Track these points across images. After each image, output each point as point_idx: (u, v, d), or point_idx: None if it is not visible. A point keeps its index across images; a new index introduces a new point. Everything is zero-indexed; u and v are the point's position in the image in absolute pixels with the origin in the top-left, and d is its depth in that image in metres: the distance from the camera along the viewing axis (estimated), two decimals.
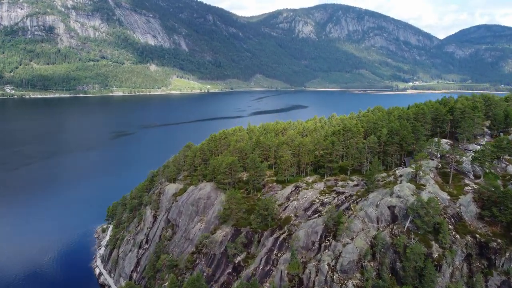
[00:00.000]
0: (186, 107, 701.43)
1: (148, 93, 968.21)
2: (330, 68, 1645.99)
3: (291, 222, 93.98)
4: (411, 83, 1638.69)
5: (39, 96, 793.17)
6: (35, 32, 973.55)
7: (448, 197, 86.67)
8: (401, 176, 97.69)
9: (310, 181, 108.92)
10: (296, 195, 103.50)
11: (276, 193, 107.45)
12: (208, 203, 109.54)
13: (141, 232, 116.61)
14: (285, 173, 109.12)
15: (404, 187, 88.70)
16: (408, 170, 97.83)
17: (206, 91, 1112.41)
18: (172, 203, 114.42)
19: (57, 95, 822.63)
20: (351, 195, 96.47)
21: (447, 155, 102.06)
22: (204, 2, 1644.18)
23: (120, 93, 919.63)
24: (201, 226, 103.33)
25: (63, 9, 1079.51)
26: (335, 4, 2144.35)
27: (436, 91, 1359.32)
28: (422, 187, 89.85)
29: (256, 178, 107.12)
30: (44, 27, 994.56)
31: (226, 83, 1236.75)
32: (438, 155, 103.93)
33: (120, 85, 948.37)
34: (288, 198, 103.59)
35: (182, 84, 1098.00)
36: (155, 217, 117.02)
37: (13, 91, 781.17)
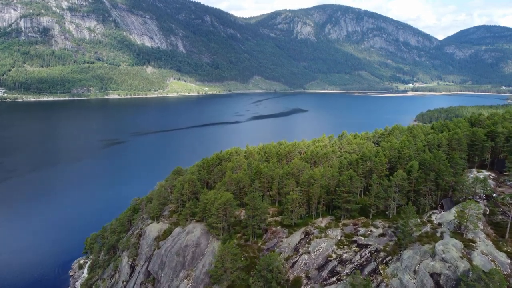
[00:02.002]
0: (182, 111, 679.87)
1: (144, 96, 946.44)
2: (329, 69, 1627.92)
3: (302, 287, 73.47)
4: (411, 85, 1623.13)
5: (33, 100, 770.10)
6: (29, 34, 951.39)
7: (509, 261, 66.36)
8: (439, 225, 77.43)
9: (322, 225, 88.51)
10: (307, 245, 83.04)
11: (281, 241, 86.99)
12: (197, 252, 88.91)
13: (115, 286, 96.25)
14: (292, 215, 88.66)
15: (449, 245, 68.21)
16: (449, 217, 77.55)
17: (204, 94, 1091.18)
18: (154, 250, 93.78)
19: (51, 98, 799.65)
20: (377, 250, 76.03)
21: (495, 195, 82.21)
22: (202, 3, 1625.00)
23: (116, 96, 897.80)
24: (188, 284, 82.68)
25: (58, 10, 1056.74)
26: (334, 4, 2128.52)
27: (437, 93, 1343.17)
28: (472, 244, 69.51)
29: (256, 222, 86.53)
30: (39, 28, 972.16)
31: (224, 85, 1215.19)
32: (484, 196, 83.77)
33: (116, 88, 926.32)
34: (296, 250, 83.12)
35: (179, 87, 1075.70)
36: (132, 268, 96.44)
37: (6, 94, 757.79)
